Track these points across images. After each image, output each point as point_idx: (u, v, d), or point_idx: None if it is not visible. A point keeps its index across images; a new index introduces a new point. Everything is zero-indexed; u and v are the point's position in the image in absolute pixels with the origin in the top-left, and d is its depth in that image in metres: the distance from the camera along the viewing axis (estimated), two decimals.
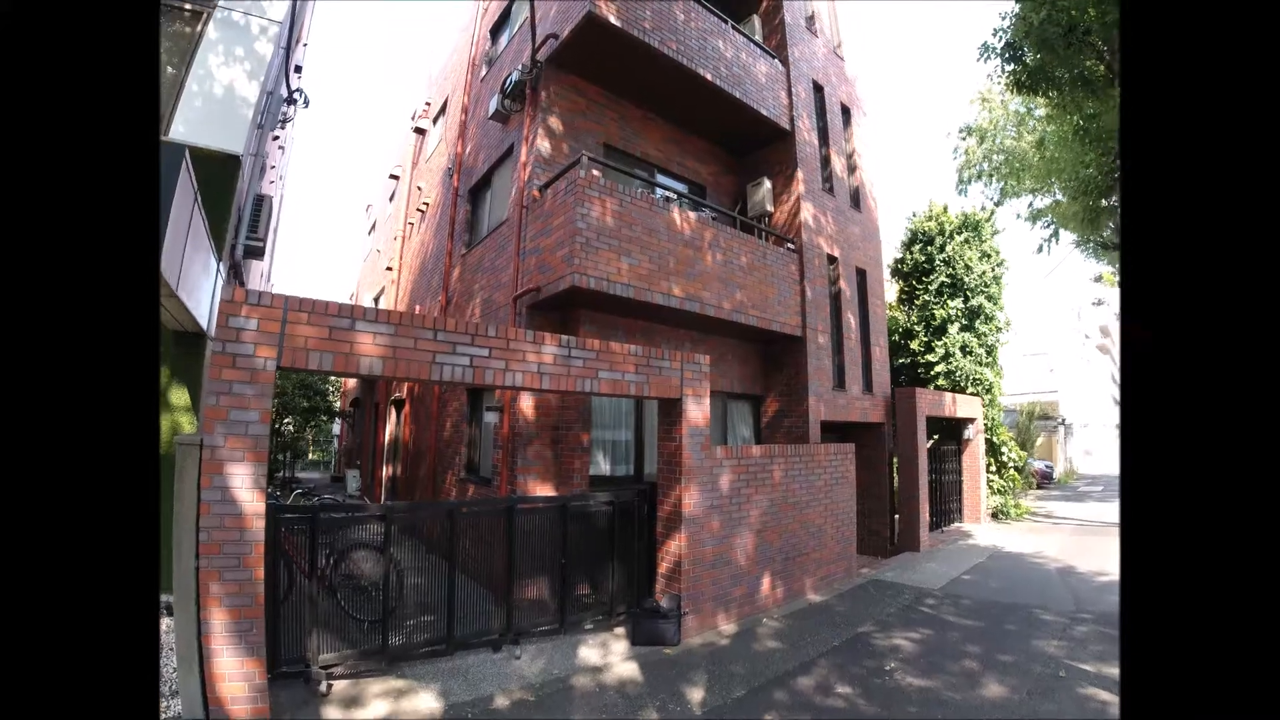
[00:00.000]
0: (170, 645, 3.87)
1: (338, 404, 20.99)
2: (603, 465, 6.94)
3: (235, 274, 7.85)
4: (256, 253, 7.15)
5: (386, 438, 13.33)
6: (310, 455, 28.45)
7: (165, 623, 4.41)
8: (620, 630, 5.41)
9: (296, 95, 8.59)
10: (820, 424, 8.34)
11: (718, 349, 8.02)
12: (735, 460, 6.07)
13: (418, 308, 11.43)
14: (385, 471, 13.18)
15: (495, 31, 9.99)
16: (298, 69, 8.73)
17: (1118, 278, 20.64)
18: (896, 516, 10.16)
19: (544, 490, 6.27)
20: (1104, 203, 12.31)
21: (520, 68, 7.40)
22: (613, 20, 6.58)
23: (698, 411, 5.62)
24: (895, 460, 10.34)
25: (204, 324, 5.24)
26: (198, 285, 4.87)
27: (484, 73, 9.82)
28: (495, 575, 5.00)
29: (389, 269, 14.76)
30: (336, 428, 24.54)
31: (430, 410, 9.54)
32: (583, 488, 6.32)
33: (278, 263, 20.21)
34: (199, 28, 6.03)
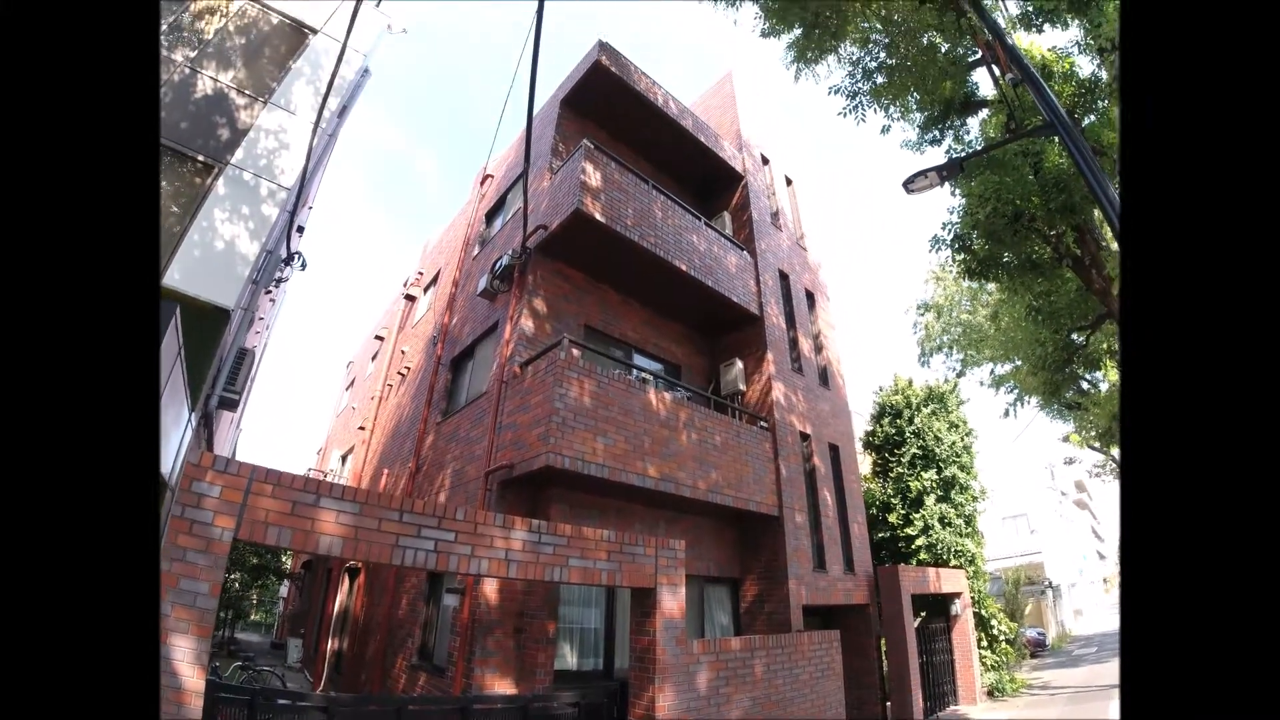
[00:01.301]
0: None
1: (289, 565, 19.68)
2: (569, 658, 6.42)
3: (206, 423, 7.65)
4: (231, 404, 7.06)
5: (336, 607, 12.30)
6: (253, 616, 26.14)
7: None
8: None
9: (295, 256, 8.86)
10: (802, 608, 7.94)
11: (693, 529, 7.82)
12: (713, 655, 5.69)
13: (385, 472, 11.17)
14: (331, 644, 12.00)
15: (490, 216, 10.89)
16: (299, 229, 9.09)
17: (1084, 441, 21.27)
18: (888, 704, 9.38)
19: (503, 685, 5.72)
20: (1064, 372, 13.01)
21: (511, 251, 7.96)
22: (598, 217, 7.24)
23: (673, 602, 5.35)
24: (883, 643, 9.77)
25: (166, 473, 5.03)
26: (166, 435, 4.72)
27: (476, 251, 10.53)
28: None
29: (362, 428, 14.61)
30: (284, 589, 22.79)
31: (386, 584, 8.94)
32: (546, 684, 5.79)
33: (251, 407, 19.93)
34: (208, 181, 6.21)
